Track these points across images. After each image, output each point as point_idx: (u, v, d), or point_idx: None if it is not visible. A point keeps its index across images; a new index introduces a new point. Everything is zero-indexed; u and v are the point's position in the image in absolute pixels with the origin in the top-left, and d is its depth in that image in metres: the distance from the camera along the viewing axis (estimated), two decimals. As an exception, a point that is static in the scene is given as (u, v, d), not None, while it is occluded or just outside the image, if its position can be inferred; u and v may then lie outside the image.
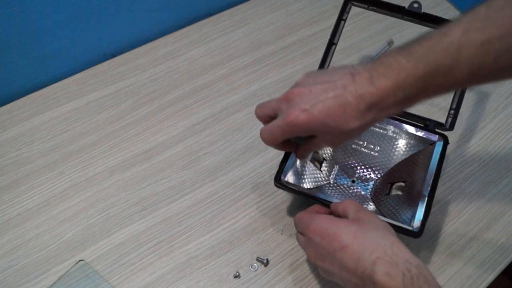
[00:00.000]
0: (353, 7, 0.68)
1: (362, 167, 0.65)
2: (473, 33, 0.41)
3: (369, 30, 0.89)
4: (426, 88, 0.44)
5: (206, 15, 0.91)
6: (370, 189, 0.63)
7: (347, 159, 0.65)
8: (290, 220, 0.63)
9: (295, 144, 0.55)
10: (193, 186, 0.67)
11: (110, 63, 0.83)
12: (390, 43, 0.84)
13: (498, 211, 0.64)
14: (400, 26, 0.90)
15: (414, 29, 0.89)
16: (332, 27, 0.68)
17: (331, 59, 0.67)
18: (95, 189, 0.66)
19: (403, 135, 0.65)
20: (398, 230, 0.53)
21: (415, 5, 0.66)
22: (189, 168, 0.69)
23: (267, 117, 0.53)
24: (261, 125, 0.74)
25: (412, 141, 0.64)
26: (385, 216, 0.58)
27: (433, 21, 0.64)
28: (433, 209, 0.64)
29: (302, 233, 0.54)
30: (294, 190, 0.59)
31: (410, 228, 0.55)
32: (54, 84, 0.79)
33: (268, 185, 0.67)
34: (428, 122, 0.64)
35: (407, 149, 0.64)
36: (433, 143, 0.62)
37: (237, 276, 0.59)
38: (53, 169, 0.68)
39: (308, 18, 0.91)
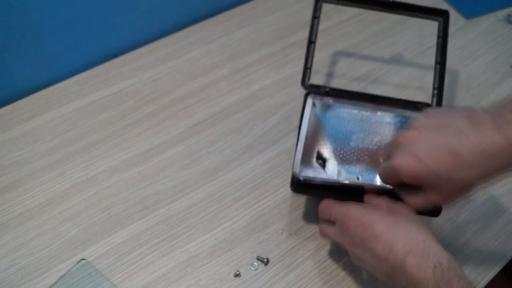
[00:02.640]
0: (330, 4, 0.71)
1: (365, 161, 0.65)
2: None
3: (368, 31, 0.89)
4: None
5: (207, 16, 0.92)
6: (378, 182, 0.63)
7: (349, 155, 0.65)
8: (290, 219, 0.64)
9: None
10: (193, 185, 0.67)
11: (112, 64, 0.83)
12: None
13: (496, 210, 0.64)
14: (400, 26, 0.90)
15: (413, 30, 0.90)
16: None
17: (312, 58, 0.68)
18: (96, 188, 0.67)
19: (398, 120, 0.65)
20: (419, 212, 0.54)
21: None
22: (189, 168, 0.69)
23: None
24: (260, 126, 0.75)
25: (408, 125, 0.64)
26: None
27: (405, 8, 0.69)
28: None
29: (328, 221, 0.54)
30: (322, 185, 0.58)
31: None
32: (56, 85, 0.80)
33: (268, 184, 0.67)
34: (420, 105, 0.65)
35: None
36: None
37: (237, 275, 0.59)
38: (55, 169, 0.69)
39: (308, 19, 0.91)
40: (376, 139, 0.64)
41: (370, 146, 0.64)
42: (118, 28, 0.83)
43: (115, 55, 0.85)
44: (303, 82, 0.68)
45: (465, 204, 0.65)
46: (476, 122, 0.42)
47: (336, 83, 0.80)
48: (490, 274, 0.59)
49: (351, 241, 0.50)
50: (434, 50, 0.85)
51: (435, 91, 0.66)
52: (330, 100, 0.66)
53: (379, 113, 0.65)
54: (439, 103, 0.66)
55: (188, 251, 0.61)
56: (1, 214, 0.64)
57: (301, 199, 0.66)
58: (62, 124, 0.74)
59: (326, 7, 0.93)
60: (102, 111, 0.76)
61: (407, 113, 0.65)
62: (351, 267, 0.59)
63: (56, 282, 0.58)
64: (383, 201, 0.52)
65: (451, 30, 0.89)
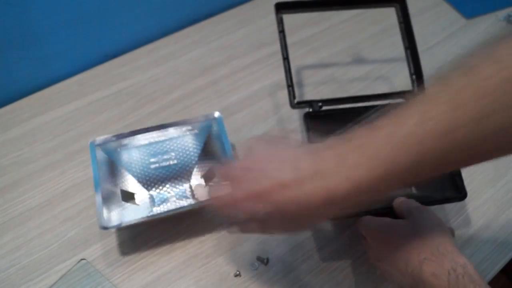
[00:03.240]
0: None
1: (172, 177, 0.65)
2: (431, 122, 0.34)
3: (368, 31, 0.89)
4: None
5: (207, 16, 0.92)
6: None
7: (155, 178, 0.64)
8: (290, 219, 0.64)
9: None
10: (193, 185, 0.67)
11: (112, 64, 0.83)
12: None
13: (497, 210, 0.64)
14: (400, 26, 0.90)
15: (414, 30, 0.89)
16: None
17: (290, 74, 0.67)
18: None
19: (185, 129, 0.66)
20: (445, 201, 0.57)
21: None
22: (189, 168, 0.69)
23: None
24: (260, 126, 0.74)
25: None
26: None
27: (361, 1, 0.70)
28: (432, 209, 0.64)
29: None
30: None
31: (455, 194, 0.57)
32: (56, 85, 0.80)
33: (268, 184, 0.67)
34: (402, 93, 0.64)
35: None
36: None
37: (237, 275, 0.59)
38: (55, 169, 0.69)
39: (308, 19, 0.91)
40: (172, 154, 0.64)
41: (171, 162, 0.64)
42: (118, 28, 0.83)
43: (115, 55, 0.85)
44: (291, 103, 0.65)
45: (465, 204, 0.65)
46: (301, 167, 0.39)
47: (337, 83, 0.80)
48: (490, 274, 0.59)
49: (376, 256, 0.52)
50: (434, 50, 0.86)
51: (414, 77, 0.67)
52: (113, 138, 0.63)
53: (164, 131, 0.64)
54: (421, 76, 0.67)
55: (188, 251, 0.61)
56: (1, 214, 0.64)
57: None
58: (62, 124, 0.74)
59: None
60: (102, 111, 0.76)
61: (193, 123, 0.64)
62: (351, 268, 0.59)
63: (56, 282, 0.58)
64: (403, 207, 0.53)
65: (452, 30, 0.90)
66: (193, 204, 0.58)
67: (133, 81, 0.80)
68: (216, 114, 0.65)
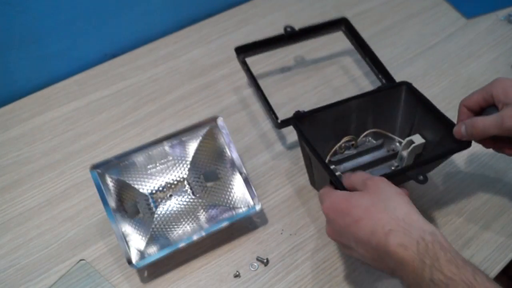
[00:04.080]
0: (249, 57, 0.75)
1: (172, 185, 0.63)
2: None
3: (369, 31, 0.89)
4: None
5: (207, 15, 0.92)
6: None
7: (157, 191, 0.62)
8: (290, 219, 0.64)
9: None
10: (193, 186, 0.67)
11: (111, 64, 0.83)
12: None
13: (497, 210, 0.64)
14: (400, 26, 0.90)
15: (414, 30, 0.89)
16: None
17: (267, 101, 0.68)
18: (95, 188, 0.66)
19: (176, 143, 0.64)
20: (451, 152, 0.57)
21: (288, 29, 0.75)
22: (189, 168, 0.69)
23: None
24: (260, 126, 0.74)
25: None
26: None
27: (310, 31, 0.77)
28: (432, 209, 0.64)
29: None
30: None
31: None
32: (56, 84, 0.80)
33: (268, 184, 0.67)
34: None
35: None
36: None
37: (237, 276, 0.59)
38: (55, 169, 0.69)
39: (308, 18, 0.91)
40: (169, 162, 0.63)
41: (169, 163, 0.63)
42: (117, 28, 0.83)
43: (114, 55, 0.85)
44: (275, 125, 0.66)
45: (466, 204, 0.65)
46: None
47: (336, 83, 0.80)
48: (491, 274, 0.59)
49: (335, 231, 0.49)
50: (434, 50, 0.86)
51: (380, 76, 0.72)
52: (112, 160, 0.60)
53: (159, 145, 0.63)
54: (392, 79, 0.71)
55: (187, 251, 0.60)
56: (0, 214, 0.64)
57: (302, 200, 0.65)
58: (61, 124, 0.74)
59: (325, 8, 0.94)
60: (101, 111, 0.76)
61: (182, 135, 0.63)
62: (351, 268, 0.59)
63: (56, 282, 0.58)
64: (357, 178, 0.50)
65: (452, 29, 0.90)
66: (209, 233, 0.58)
67: (133, 81, 0.80)
68: (219, 121, 0.63)
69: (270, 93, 0.78)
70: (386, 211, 0.45)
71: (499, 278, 0.59)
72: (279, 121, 0.66)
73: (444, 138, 0.59)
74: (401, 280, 0.44)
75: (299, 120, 0.60)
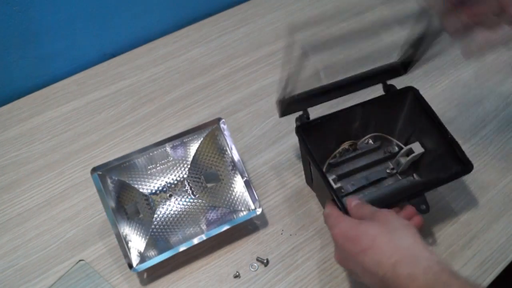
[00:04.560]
0: None
1: (172, 185, 0.63)
2: None
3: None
4: None
5: (206, 15, 0.91)
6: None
7: (157, 190, 0.62)
8: (290, 220, 0.63)
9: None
10: (193, 186, 0.67)
11: (110, 63, 0.83)
12: None
13: (498, 211, 0.64)
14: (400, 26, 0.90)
15: (414, 29, 0.89)
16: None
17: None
18: (95, 189, 0.66)
19: (177, 144, 0.64)
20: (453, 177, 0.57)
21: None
22: (189, 168, 0.69)
23: None
24: (260, 126, 0.74)
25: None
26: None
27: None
28: (433, 209, 0.64)
29: None
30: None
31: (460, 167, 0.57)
32: (54, 84, 0.80)
33: (268, 185, 0.67)
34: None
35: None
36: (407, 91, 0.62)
37: (237, 276, 0.59)
38: (53, 169, 0.69)
39: (308, 18, 0.91)
40: (170, 163, 0.63)
41: (169, 164, 0.63)
42: (116, 27, 0.83)
43: (114, 54, 0.85)
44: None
45: (467, 204, 0.65)
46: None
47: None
48: (491, 275, 0.59)
49: (342, 257, 0.50)
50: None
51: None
52: (113, 162, 0.60)
53: (160, 147, 0.62)
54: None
55: (187, 252, 0.60)
56: (-1, 215, 0.64)
57: (302, 200, 0.65)
58: (60, 124, 0.74)
59: (326, 7, 0.93)
60: (100, 111, 0.76)
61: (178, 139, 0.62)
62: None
63: (55, 283, 0.58)
64: (366, 209, 0.51)
65: (452, 29, 0.89)
66: (210, 237, 0.58)
67: (132, 80, 0.80)
68: (222, 123, 0.63)
69: (270, 93, 0.78)
70: (393, 241, 0.45)
71: (499, 278, 0.59)
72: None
73: (446, 155, 0.59)
74: None
75: (303, 127, 0.59)
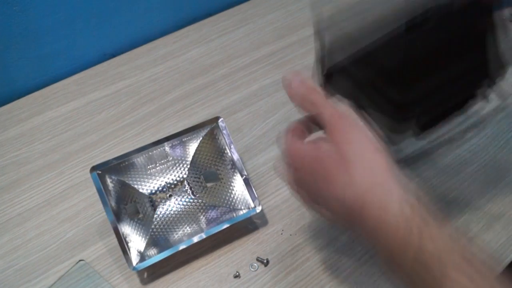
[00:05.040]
0: None
1: (172, 184, 0.62)
2: None
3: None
4: None
5: (206, 15, 0.91)
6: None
7: (157, 191, 0.62)
8: (290, 220, 0.63)
9: None
10: (193, 186, 0.67)
11: (110, 63, 0.83)
12: None
13: (498, 211, 0.64)
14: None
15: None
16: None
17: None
18: (95, 189, 0.66)
19: (176, 143, 0.63)
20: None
21: None
22: (189, 168, 0.69)
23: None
24: (260, 126, 0.74)
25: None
26: None
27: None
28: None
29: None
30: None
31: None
32: (54, 84, 0.80)
33: (268, 185, 0.67)
34: None
35: None
36: None
37: (237, 276, 0.59)
38: (53, 169, 0.69)
39: (308, 18, 0.91)
40: (169, 163, 0.62)
41: (168, 163, 0.62)
42: (116, 27, 0.83)
43: (113, 54, 0.85)
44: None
45: (467, 204, 0.65)
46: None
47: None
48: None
49: (298, 182, 0.43)
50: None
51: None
52: (112, 161, 0.60)
53: (159, 146, 0.62)
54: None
55: (187, 251, 0.60)
56: (-1, 215, 0.64)
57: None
58: (60, 124, 0.74)
59: (326, 7, 0.93)
60: (100, 111, 0.76)
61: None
62: (352, 269, 0.59)
63: (55, 283, 0.58)
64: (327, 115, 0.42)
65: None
66: (210, 235, 0.58)
67: (132, 80, 0.80)
68: (220, 122, 0.63)
69: (270, 93, 0.78)
70: (365, 165, 0.38)
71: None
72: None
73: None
74: (376, 246, 0.38)
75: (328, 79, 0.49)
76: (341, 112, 0.41)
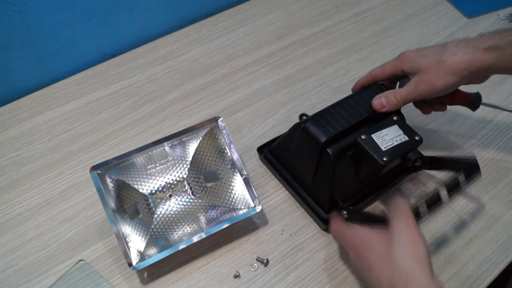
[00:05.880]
0: None
1: (172, 184, 0.63)
2: None
3: (368, 30, 0.89)
4: None
5: (206, 15, 0.91)
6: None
7: (157, 190, 0.62)
8: (290, 220, 0.63)
9: None
10: (193, 186, 0.67)
11: (110, 63, 0.83)
12: None
13: (498, 211, 0.64)
14: (401, 26, 0.90)
15: (414, 29, 0.89)
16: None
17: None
18: (95, 189, 0.66)
19: (177, 143, 0.63)
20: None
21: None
22: (189, 168, 0.69)
23: None
24: (260, 126, 0.74)
25: None
26: None
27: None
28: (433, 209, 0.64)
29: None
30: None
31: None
32: (54, 84, 0.80)
33: (268, 185, 0.67)
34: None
35: None
36: None
37: (237, 276, 0.59)
38: (53, 169, 0.69)
39: (308, 18, 0.91)
40: (169, 163, 0.62)
41: (168, 163, 0.62)
42: (116, 27, 0.83)
43: (113, 54, 0.85)
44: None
45: (467, 205, 0.65)
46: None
47: (337, 82, 0.80)
48: (492, 275, 0.59)
49: (355, 266, 0.53)
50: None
51: None
52: (112, 161, 0.59)
53: (159, 146, 0.62)
54: None
55: (187, 251, 0.60)
56: (-1, 215, 0.64)
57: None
58: (60, 124, 0.74)
59: (326, 7, 0.93)
60: (100, 111, 0.76)
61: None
62: (351, 269, 0.59)
63: (55, 283, 0.58)
64: (393, 215, 0.51)
65: (453, 29, 0.89)
66: (209, 234, 0.58)
67: (132, 80, 0.80)
68: (220, 121, 0.63)
69: (270, 93, 0.78)
70: (396, 262, 0.46)
71: (499, 278, 0.59)
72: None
73: None
74: None
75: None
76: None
